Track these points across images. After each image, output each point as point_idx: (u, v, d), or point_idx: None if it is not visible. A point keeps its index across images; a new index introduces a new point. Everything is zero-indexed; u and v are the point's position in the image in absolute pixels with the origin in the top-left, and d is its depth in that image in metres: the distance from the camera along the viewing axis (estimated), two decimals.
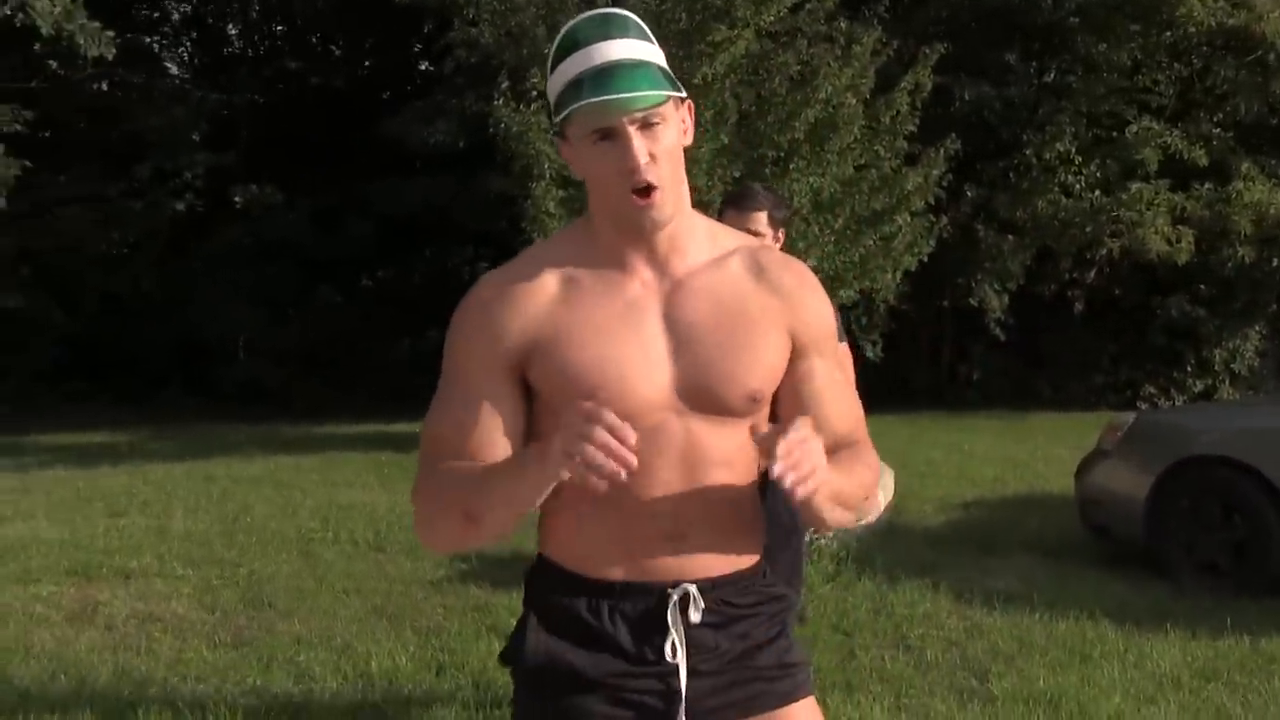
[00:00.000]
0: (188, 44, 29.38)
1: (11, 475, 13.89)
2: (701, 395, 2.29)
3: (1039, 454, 14.40)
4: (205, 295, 23.72)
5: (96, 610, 7.52)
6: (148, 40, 27.56)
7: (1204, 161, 19.91)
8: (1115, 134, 20.72)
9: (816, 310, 2.42)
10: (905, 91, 15.95)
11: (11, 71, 20.70)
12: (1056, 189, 20.32)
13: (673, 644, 2.28)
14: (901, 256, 15.92)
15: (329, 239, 23.93)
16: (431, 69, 24.68)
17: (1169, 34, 20.39)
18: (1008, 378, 21.84)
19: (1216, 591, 7.57)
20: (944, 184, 17.79)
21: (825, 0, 15.75)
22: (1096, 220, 19.78)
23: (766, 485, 2.47)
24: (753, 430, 2.22)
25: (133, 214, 23.37)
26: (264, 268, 24.08)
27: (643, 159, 2.19)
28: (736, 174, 14.08)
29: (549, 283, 2.30)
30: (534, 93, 14.29)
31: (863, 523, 9.05)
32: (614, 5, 15.35)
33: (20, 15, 16.24)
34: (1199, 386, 20.98)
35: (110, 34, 16.70)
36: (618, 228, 2.29)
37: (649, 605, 2.31)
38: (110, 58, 17.28)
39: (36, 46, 19.08)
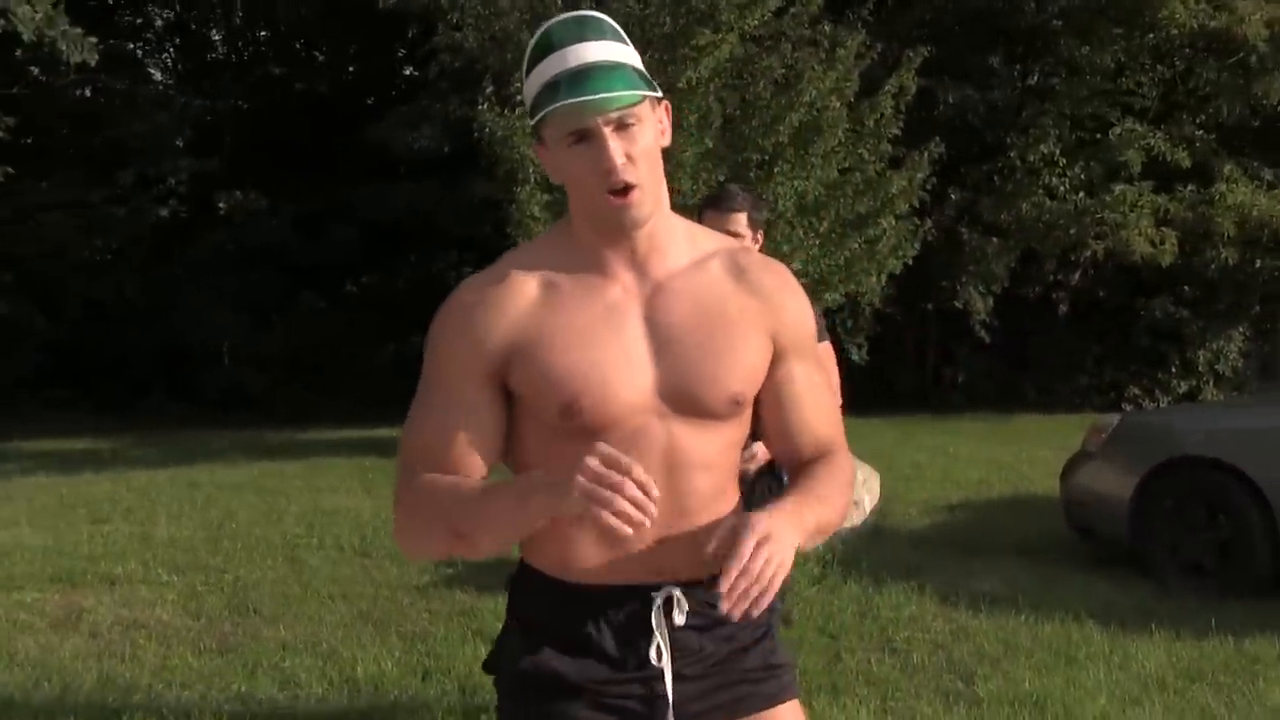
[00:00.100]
0: (171, 50, 29.33)
1: None
2: (683, 398, 2.28)
3: (1024, 456, 14.42)
4: (189, 301, 23.67)
5: (81, 617, 7.50)
6: (130, 46, 27.51)
7: (1187, 163, 19.96)
8: (1099, 136, 20.77)
9: (797, 312, 2.41)
10: (889, 95, 15.96)
11: None
12: (1040, 191, 20.36)
13: (657, 648, 2.27)
14: (886, 259, 15.94)
15: (313, 244, 23.88)
16: (416, 74, 24.69)
17: (1151, 36, 20.44)
18: (993, 380, 21.87)
19: (1201, 592, 7.59)
20: (928, 187, 17.81)
21: (809, 4, 15.76)
22: (1080, 222, 19.83)
23: (750, 490, 2.48)
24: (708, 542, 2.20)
25: (116, 220, 23.32)
26: (248, 274, 24.04)
27: (619, 159, 2.18)
28: (721, 177, 14.08)
29: (529, 287, 2.29)
30: (518, 97, 14.26)
31: (847, 526, 9.06)
32: (596, 9, 15.38)
33: (1, 22, 16.18)
34: (1183, 388, 21.03)
35: (93, 40, 16.65)
36: (597, 229, 2.28)
37: (632, 609, 2.30)
38: (93, 64, 17.22)
39: (18, 52, 19.05)
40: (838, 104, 15.06)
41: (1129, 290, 21.48)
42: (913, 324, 22.66)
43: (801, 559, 7.99)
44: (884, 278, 16.33)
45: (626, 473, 2.02)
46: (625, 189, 2.21)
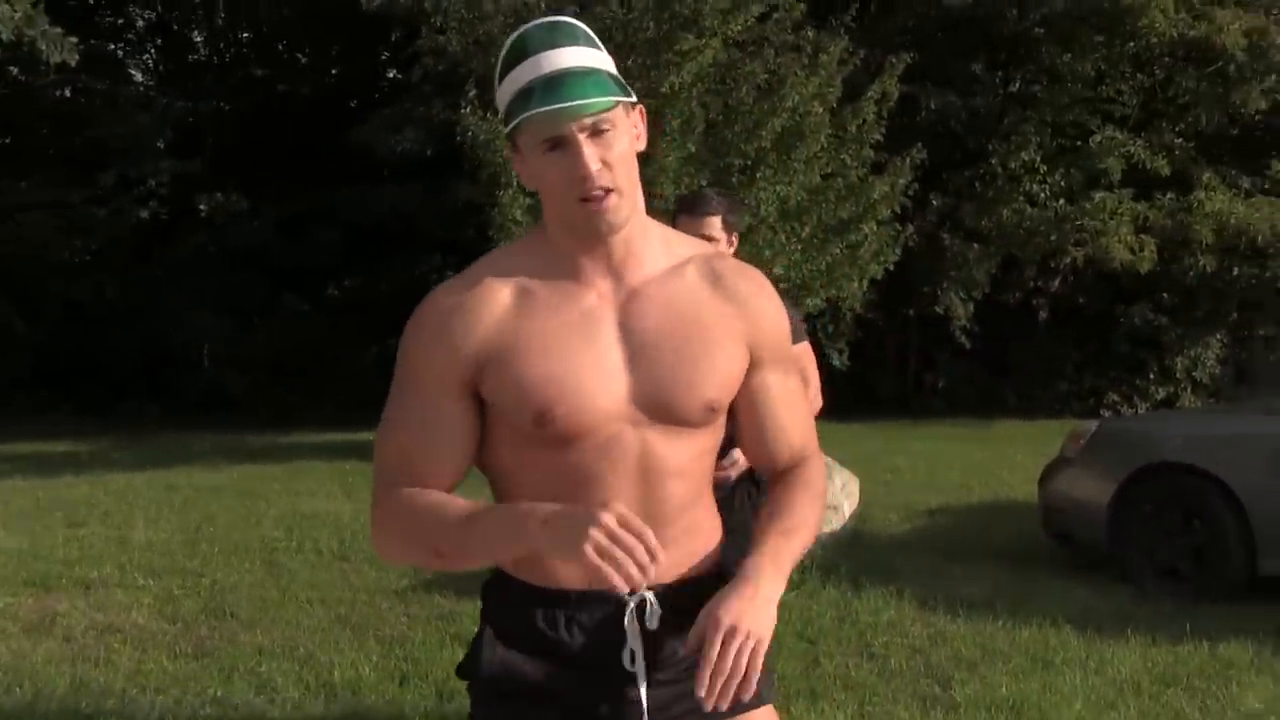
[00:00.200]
0: (152, 51, 29.25)
1: None
2: (658, 406, 2.28)
3: (1004, 461, 14.45)
4: (169, 303, 23.60)
5: (55, 621, 7.46)
6: (111, 47, 27.44)
7: (1166, 171, 20.05)
8: (1079, 143, 20.85)
9: (773, 320, 2.41)
10: (872, 101, 16.01)
11: None
12: (1021, 198, 20.42)
13: (630, 652, 2.26)
14: (868, 265, 15.98)
15: (295, 247, 23.83)
16: (399, 77, 24.67)
17: (1132, 45, 20.53)
18: (973, 385, 21.92)
19: (1177, 597, 7.63)
20: (910, 193, 17.87)
21: (792, 10, 15.81)
22: (1061, 229, 19.90)
23: (730, 495, 2.49)
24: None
25: (96, 221, 23.24)
26: (229, 276, 23.98)
27: (594, 166, 2.17)
28: (704, 182, 14.10)
29: (503, 295, 2.27)
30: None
31: (827, 531, 9.07)
32: (580, 13, 15.39)
33: None
34: (1161, 394, 21.11)
35: (73, 40, 16.58)
36: (573, 235, 2.27)
37: (606, 614, 2.29)
38: (73, 64, 17.15)
39: None
40: (820, 109, 15.11)
41: (1108, 297, 21.55)
42: (894, 329, 22.71)
43: None
44: (865, 283, 16.38)
45: (639, 536, 2.05)
46: (601, 195, 2.20)
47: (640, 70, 14.47)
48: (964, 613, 7.40)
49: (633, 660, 2.26)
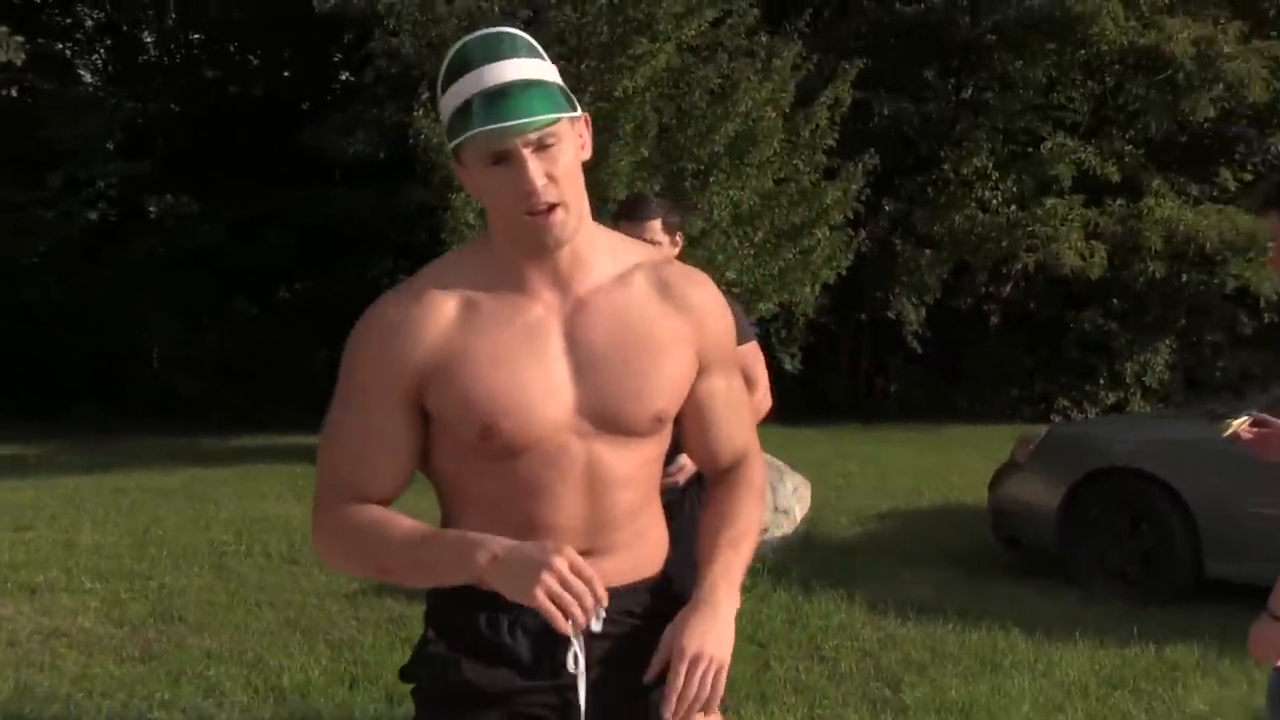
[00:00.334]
0: (101, 51, 28.98)
1: None
2: (606, 417, 2.28)
3: (954, 466, 14.52)
4: (119, 306, 23.41)
5: None
6: (59, 46, 27.16)
7: (1116, 178, 20.19)
8: (1030, 150, 20.97)
9: (721, 325, 2.42)
10: (825, 106, 16.07)
11: None
12: (973, 204, 20.52)
13: (573, 655, 2.26)
14: (820, 270, 16.02)
15: (246, 249, 23.68)
16: (351, 79, 24.56)
17: (1083, 52, 20.66)
18: (924, 390, 22.01)
19: (1125, 600, 7.70)
20: (863, 198, 17.93)
21: (746, 15, 15.83)
22: (1012, 235, 20.01)
23: (680, 500, 2.50)
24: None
25: (44, 223, 23.00)
26: (179, 278, 23.78)
27: (540, 181, 2.16)
28: (657, 187, 14.10)
29: (448, 308, 2.26)
30: None
31: (778, 534, 9.08)
32: (534, 16, 15.38)
33: None
34: (1111, 399, 21.24)
35: (19, 39, 16.43)
36: (519, 248, 2.26)
37: None
38: (19, 63, 17.00)
39: None
40: (773, 114, 15.14)
41: (1059, 303, 21.68)
42: (846, 334, 22.78)
43: None
44: (818, 288, 16.42)
45: (589, 583, 2.10)
46: (546, 210, 2.19)
47: (594, 74, 14.47)
48: (914, 616, 7.44)
49: (574, 663, 2.27)
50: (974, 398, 21.59)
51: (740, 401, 2.52)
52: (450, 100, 2.20)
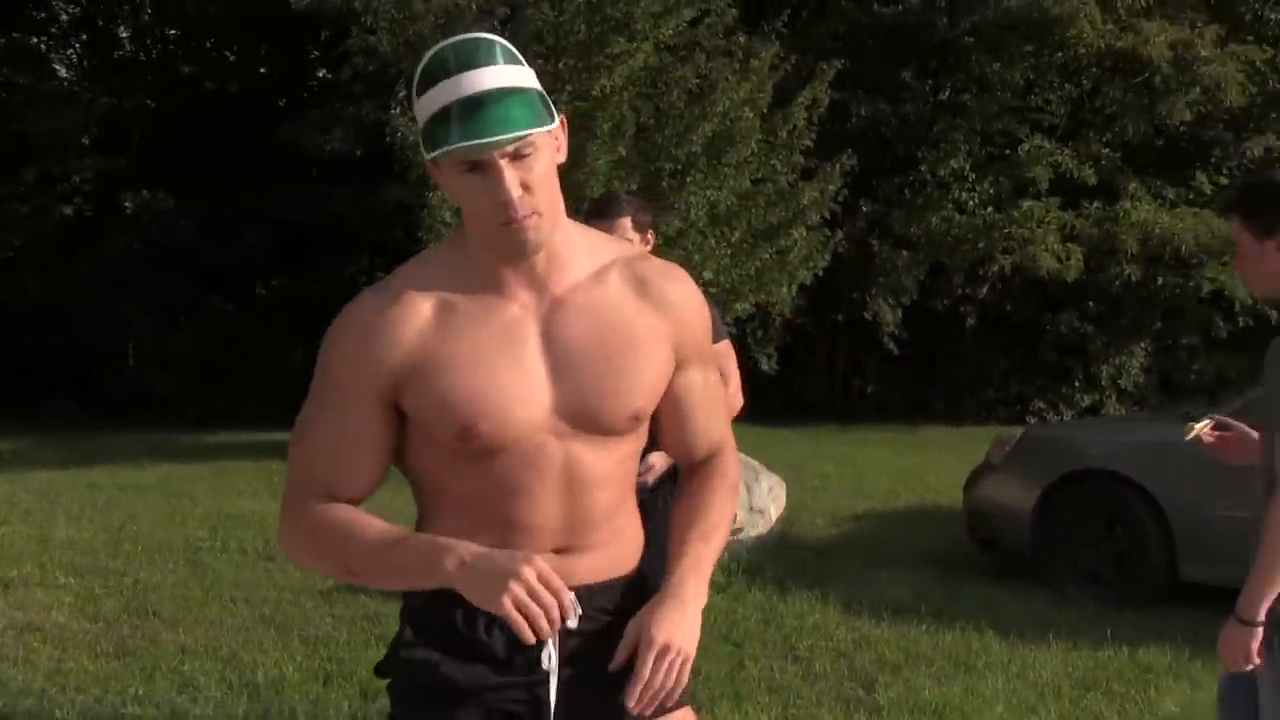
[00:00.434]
0: (77, 46, 28.85)
1: None
2: (584, 418, 2.28)
3: (930, 467, 14.55)
4: (94, 302, 23.31)
5: None
6: (35, 40, 27.03)
7: (1093, 180, 20.26)
8: (1008, 152, 21.03)
9: (697, 319, 2.42)
10: (802, 106, 16.09)
11: None
12: (950, 205, 20.56)
13: (548, 653, 2.26)
14: (797, 270, 16.04)
15: (223, 246, 23.60)
16: (329, 76, 24.47)
17: (1060, 55, 20.74)
18: (901, 391, 22.05)
19: (1099, 602, 7.72)
20: (840, 199, 17.95)
21: (724, 15, 15.85)
22: (989, 237, 20.06)
23: (651, 498, 2.50)
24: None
25: (19, 217, 22.87)
26: (155, 275, 23.70)
27: (515, 192, 2.15)
28: (634, 186, 14.11)
29: (425, 309, 2.25)
30: None
31: (753, 534, 9.10)
32: (511, 15, 15.37)
33: None
34: (1086, 402, 21.32)
35: None
36: (494, 254, 2.25)
37: None
38: None
39: None
40: (751, 115, 15.16)
41: (1035, 305, 21.75)
42: (823, 335, 22.80)
43: None
44: (794, 288, 16.44)
45: (558, 594, 2.10)
46: (522, 218, 2.18)
47: (571, 73, 14.47)
48: (888, 617, 7.46)
49: (548, 660, 2.27)
50: (950, 399, 21.64)
51: (716, 396, 2.53)
52: (426, 105, 2.18)
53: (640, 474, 4.00)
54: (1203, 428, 3.71)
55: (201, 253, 23.63)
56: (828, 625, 7.32)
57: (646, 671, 2.19)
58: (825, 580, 8.34)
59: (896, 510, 11.77)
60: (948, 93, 22.31)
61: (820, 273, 16.85)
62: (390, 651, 2.42)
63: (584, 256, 2.34)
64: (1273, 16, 21.56)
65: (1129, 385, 21.37)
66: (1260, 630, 3.32)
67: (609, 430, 2.30)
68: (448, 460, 2.27)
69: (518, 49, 2.24)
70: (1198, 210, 20.22)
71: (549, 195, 2.21)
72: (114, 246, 23.71)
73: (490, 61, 2.16)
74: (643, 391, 2.32)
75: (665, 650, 2.20)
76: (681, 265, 2.50)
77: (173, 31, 28.12)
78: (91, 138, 24.09)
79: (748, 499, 9.35)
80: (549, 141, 2.21)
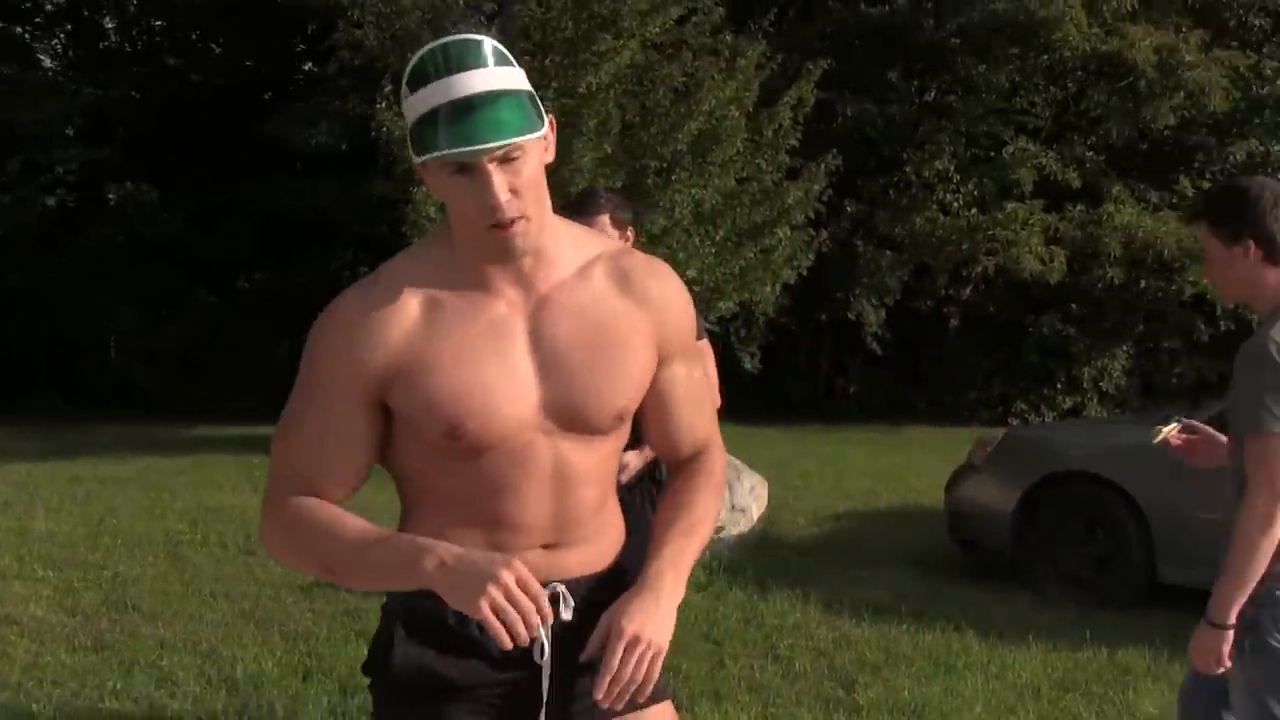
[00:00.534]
0: (61, 36, 28.75)
1: None
2: (570, 416, 2.28)
3: (912, 467, 14.56)
4: (77, 294, 23.23)
5: None
6: (19, 30, 26.95)
7: (1077, 183, 20.30)
8: (992, 154, 21.05)
9: (681, 314, 2.42)
10: (788, 106, 16.10)
11: None
12: (935, 206, 20.58)
13: (540, 646, 2.26)
14: (781, 269, 16.05)
15: (207, 239, 23.55)
16: (315, 70, 24.44)
17: (1045, 58, 20.76)
18: (884, 391, 22.06)
19: (1080, 603, 7.73)
20: (824, 199, 17.98)
21: (711, 13, 15.85)
22: (973, 238, 20.07)
23: (628, 496, 2.50)
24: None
25: (1, 208, 22.83)
26: (138, 267, 23.64)
27: (504, 196, 2.14)
28: (619, 183, 14.09)
29: (411, 307, 2.25)
30: None
31: (734, 533, 9.09)
32: (498, 13, 15.35)
33: None
34: (1068, 404, 21.34)
35: None
36: (481, 255, 2.25)
37: None
38: None
39: None
40: (737, 114, 15.16)
41: (1018, 306, 21.77)
42: (806, 334, 22.81)
43: None
44: (778, 287, 16.46)
45: (536, 600, 2.09)
46: (509, 223, 2.17)
47: (558, 70, 14.46)
48: (869, 617, 7.47)
49: (541, 654, 2.27)
50: (932, 399, 21.66)
51: (701, 392, 2.53)
52: (415, 106, 2.17)
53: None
54: (1170, 430, 3.74)
55: (185, 245, 23.57)
56: (808, 624, 7.32)
57: (615, 663, 2.17)
58: (806, 579, 8.35)
59: (878, 510, 11.79)
60: (933, 94, 22.32)
61: (804, 272, 16.87)
62: (376, 649, 2.41)
63: (569, 253, 2.34)
64: (1256, 22, 21.63)
65: (1111, 388, 21.41)
66: (1231, 633, 3.34)
67: (594, 429, 2.30)
68: (435, 458, 2.27)
69: (504, 45, 2.23)
70: (1181, 214, 20.24)
71: (537, 198, 2.20)
72: (97, 238, 23.65)
73: (480, 63, 2.15)
74: (626, 390, 2.32)
75: (635, 642, 2.18)
76: (666, 264, 2.50)
77: (158, 23, 28.05)
78: (76, 128, 24.03)
79: (730, 498, 9.36)
80: (538, 145, 2.20)
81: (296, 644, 6.73)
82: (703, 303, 13.83)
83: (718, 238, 15.05)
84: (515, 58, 2.24)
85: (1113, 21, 20.12)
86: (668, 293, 2.39)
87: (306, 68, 26.17)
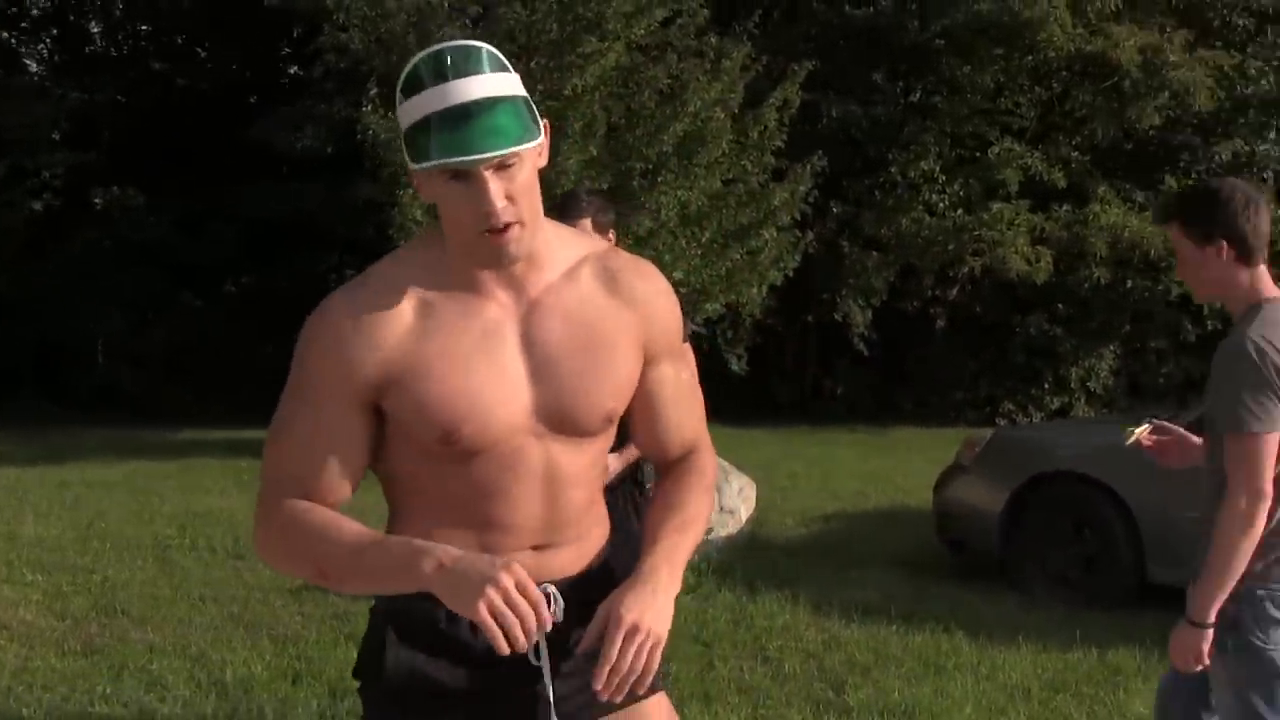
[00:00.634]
0: (48, 41, 28.72)
1: None
2: (561, 419, 2.29)
3: (900, 468, 14.58)
4: (63, 298, 23.20)
5: None
6: (5, 35, 26.91)
7: (1062, 183, 20.31)
8: (978, 154, 21.06)
9: (667, 315, 2.43)
10: (773, 107, 16.10)
11: None
12: (920, 207, 20.59)
13: (536, 647, 2.26)
14: (767, 271, 16.06)
15: (193, 243, 23.52)
16: (300, 73, 24.41)
17: (1030, 58, 20.79)
18: (871, 392, 22.07)
19: (1068, 604, 7.74)
20: (810, 200, 17.99)
21: (696, 15, 15.85)
22: (959, 238, 20.08)
23: (609, 497, 2.50)
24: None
25: None
26: (125, 271, 23.61)
27: (499, 203, 2.14)
28: (605, 185, 14.09)
29: (404, 311, 2.24)
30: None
31: (723, 534, 9.09)
32: (483, 16, 15.33)
33: None
34: (1055, 404, 21.36)
35: None
36: (473, 260, 2.25)
37: None
38: None
39: None
40: (722, 115, 15.16)
41: (1005, 307, 21.79)
42: (793, 336, 22.82)
43: None
44: (765, 289, 16.45)
45: (535, 604, 2.09)
46: (503, 228, 2.17)
47: (543, 72, 14.45)
48: (858, 618, 7.47)
49: (538, 655, 2.27)
50: (920, 400, 21.67)
51: (688, 392, 2.53)
52: (410, 112, 2.17)
53: None
54: (1141, 431, 3.77)
55: (171, 249, 23.54)
56: (797, 626, 7.33)
57: (614, 653, 2.16)
58: (795, 581, 8.36)
59: (866, 511, 11.80)
60: (918, 95, 22.33)
61: (790, 273, 16.87)
62: (367, 654, 2.40)
63: (559, 253, 2.34)
64: (1240, 22, 21.67)
65: (1098, 388, 21.44)
66: (1210, 632, 3.37)
67: (584, 431, 2.31)
68: (426, 461, 2.27)
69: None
70: (1150, 213, 20.26)
71: (530, 206, 2.21)
72: (83, 242, 23.61)
73: (477, 69, 2.15)
74: (615, 393, 2.33)
75: (634, 631, 2.17)
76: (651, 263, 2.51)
77: (144, 27, 28.01)
78: (62, 133, 24.00)
79: (718, 499, 9.36)
80: (533, 152, 2.21)
81: (286, 647, 6.73)
82: (689, 304, 13.82)
83: (704, 239, 15.05)
84: None
85: (1097, 22, 20.14)
86: (653, 292, 2.40)
87: (292, 71, 26.14)
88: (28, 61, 27.67)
